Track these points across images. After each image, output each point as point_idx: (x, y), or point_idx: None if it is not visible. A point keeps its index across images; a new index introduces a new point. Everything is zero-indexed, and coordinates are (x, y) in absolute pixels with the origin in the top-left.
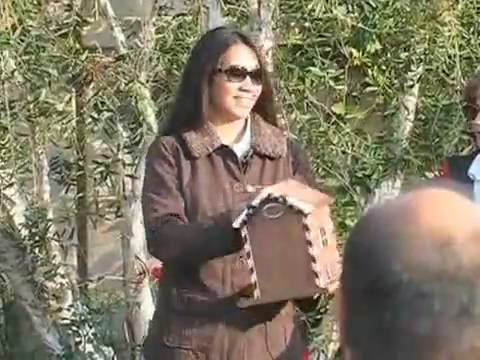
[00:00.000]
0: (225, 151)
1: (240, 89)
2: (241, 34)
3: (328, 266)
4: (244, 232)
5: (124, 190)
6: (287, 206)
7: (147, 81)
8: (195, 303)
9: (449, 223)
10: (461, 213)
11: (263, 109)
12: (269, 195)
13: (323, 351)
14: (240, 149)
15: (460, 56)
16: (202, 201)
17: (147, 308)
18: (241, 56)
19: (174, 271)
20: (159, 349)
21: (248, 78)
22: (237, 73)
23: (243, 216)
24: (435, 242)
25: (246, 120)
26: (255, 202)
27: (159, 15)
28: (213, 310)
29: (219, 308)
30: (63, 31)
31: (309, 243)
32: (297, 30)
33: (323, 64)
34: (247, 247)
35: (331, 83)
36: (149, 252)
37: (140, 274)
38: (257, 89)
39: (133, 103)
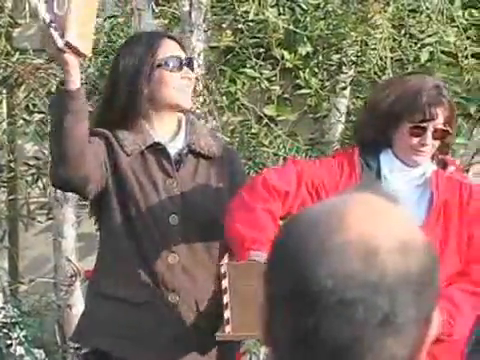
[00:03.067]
0: (158, 149)
1: (181, 78)
2: (162, 33)
3: None
4: (224, 269)
5: (55, 192)
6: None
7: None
8: (121, 294)
9: (375, 232)
10: (387, 222)
11: None
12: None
13: (255, 353)
14: (175, 147)
15: (391, 58)
16: (135, 191)
17: (78, 310)
18: (173, 49)
19: (101, 268)
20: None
21: (185, 67)
22: (176, 63)
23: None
24: (360, 251)
25: (181, 119)
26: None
27: None
28: (141, 303)
29: (148, 303)
30: None
31: None
32: (229, 32)
33: (256, 65)
34: (224, 283)
35: (266, 84)
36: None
37: (71, 276)
38: (194, 77)
39: None
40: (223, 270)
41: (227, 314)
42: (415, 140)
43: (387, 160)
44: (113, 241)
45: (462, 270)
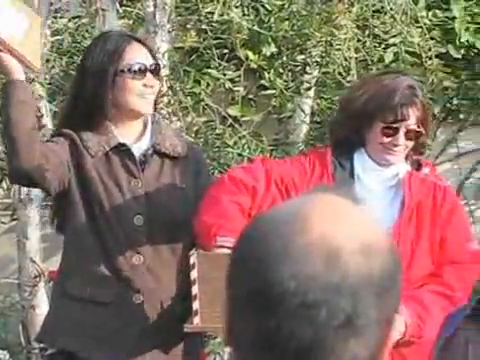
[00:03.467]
0: (122, 150)
1: (143, 85)
2: (130, 35)
3: None
4: (193, 259)
5: (20, 193)
6: None
7: (43, 83)
8: (91, 291)
9: (337, 234)
10: (350, 223)
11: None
12: None
13: (219, 353)
14: (140, 147)
15: (356, 59)
16: (100, 192)
17: (43, 311)
18: (138, 54)
19: (66, 268)
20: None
21: (149, 74)
22: (138, 71)
23: None
24: (322, 252)
25: (147, 120)
26: None
27: (55, 17)
28: (107, 302)
29: (113, 303)
30: None
31: None
32: (193, 33)
33: (220, 66)
34: (193, 274)
35: (230, 84)
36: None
37: (36, 277)
38: (157, 84)
39: None
40: (192, 260)
41: (196, 305)
42: (387, 140)
43: (360, 160)
44: (77, 240)
45: (434, 272)
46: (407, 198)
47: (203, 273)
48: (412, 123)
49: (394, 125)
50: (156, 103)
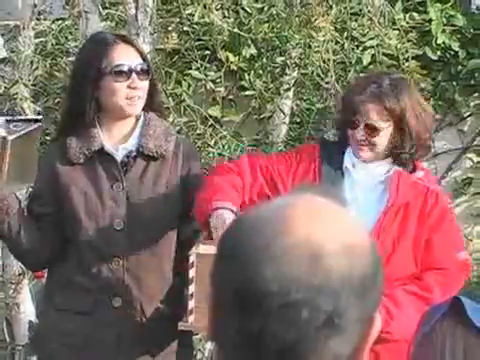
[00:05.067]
0: (104, 154)
1: (128, 87)
2: (119, 34)
3: None
4: (192, 258)
5: None
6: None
7: (27, 84)
8: (71, 301)
9: (320, 235)
10: (332, 225)
11: (152, 103)
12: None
13: (200, 350)
14: (125, 148)
15: (334, 61)
16: (78, 205)
17: (26, 308)
18: (124, 55)
19: (49, 274)
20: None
21: (134, 75)
22: (123, 72)
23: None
24: (305, 254)
25: (138, 120)
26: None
27: (38, 19)
28: (86, 311)
29: (92, 311)
30: None
31: None
32: (175, 35)
33: (201, 67)
34: (191, 272)
35: (211, 85)
36: None
37: (19, 275)
38: (145, 85)
39: (15, 106)
40: (191, 259)
41: (191, 304)
42: (353, 135)
43: (350, 155)
44: (58, 246)
45: (417, 275)
46: (393, 195)
47: (200, 272)
48: (371, 118)
49: (354, 119)
50: (152, 103)
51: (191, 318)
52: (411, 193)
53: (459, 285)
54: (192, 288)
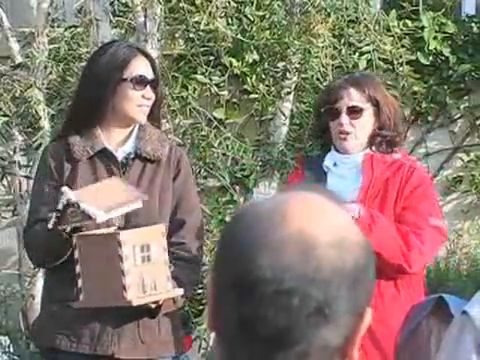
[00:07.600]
0: (106, 154)
1: (142, 96)
2: (138, 47)
3: (148, 280)
4: (74, 240)
5: (20, 190)
6: (81, 211)
7: (41, 88)
8: (69, 293)
9: (313, 228)
10: (325, 219)
11: (151, 114)
12: (68, 200)
13: (205, 339)
14: (123, 151)
15: (332, 65)
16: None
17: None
18: (142, 67)
19: (47, 270)
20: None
21: (148, 87)
22: (140, 82)
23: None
24: (299, 245)
25: (134, 126)
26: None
27: (52, 27)
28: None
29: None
30: None
31: (121, 258)
32: (181, 41)
33: (206, 72)
34: (76, 254)
35: (215, 89)
36: None
37: (34, 268)
38: (153, 96)
39: (30, 109)
40: (74, 241)
41: (79, 283)
42: (334, 124)
43: (329, 156)
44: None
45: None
46: (368, 173)
47: (83, 253)
48: (354, 99)
49: (335, 106)
50: (151, 113)
51: (81, 296)
52: (389, 170)
53: (434, 246)
54: (78, 268)
